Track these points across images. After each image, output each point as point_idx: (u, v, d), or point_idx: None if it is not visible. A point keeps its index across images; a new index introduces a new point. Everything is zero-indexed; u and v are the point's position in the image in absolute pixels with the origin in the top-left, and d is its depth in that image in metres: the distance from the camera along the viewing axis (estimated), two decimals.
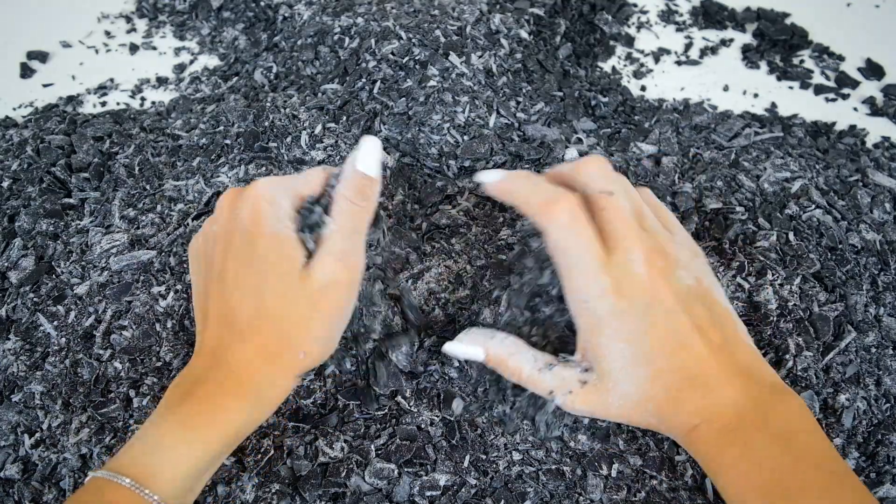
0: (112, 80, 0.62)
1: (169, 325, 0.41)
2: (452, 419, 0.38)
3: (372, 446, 0.37)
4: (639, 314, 0.31)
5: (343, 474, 0.36)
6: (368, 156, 0.35)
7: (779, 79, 0.64)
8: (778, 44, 0.67)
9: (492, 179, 0.36)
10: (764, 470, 0.29)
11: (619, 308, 0.31)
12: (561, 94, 0.56)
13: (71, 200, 0.49)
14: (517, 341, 0.36)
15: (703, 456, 0.32)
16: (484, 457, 0.37)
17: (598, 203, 0.33)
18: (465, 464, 0.37)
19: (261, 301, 0.31)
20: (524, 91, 0.54)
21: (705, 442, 0.31)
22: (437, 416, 0.38)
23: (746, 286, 0.43)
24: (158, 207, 0.48)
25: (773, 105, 0.61)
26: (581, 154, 0.50)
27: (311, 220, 0.34)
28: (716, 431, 0.31)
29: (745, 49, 0.67)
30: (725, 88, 0.63)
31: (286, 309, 0.31)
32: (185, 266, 0.44)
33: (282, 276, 0.31)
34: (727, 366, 0.32)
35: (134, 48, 0.66)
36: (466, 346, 0.36)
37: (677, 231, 0.36)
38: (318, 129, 0.49)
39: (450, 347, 0.37)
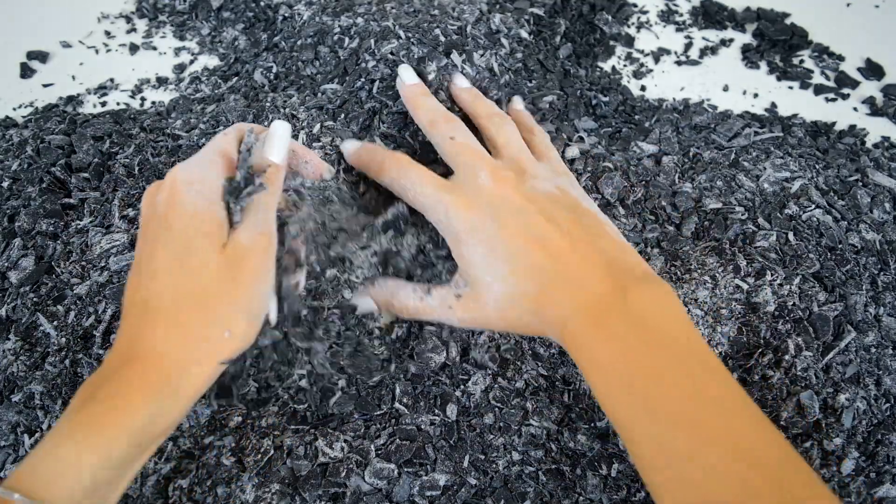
0: (112, 80, 0.62)
1: None
2: (451, 420, 0.38)
3: (372, 446, 0.37)
4: (489, 218, 0.34)
5: (343, 474, 0.36)
6: (274, 143, 0.35)
7: (779, 79, 0.64)
8: (778, 44, 0.67)
9: (349, 149, 0.42)
10: (627, 360, 0.29)
11: (470, 218, 0.34)
12: (562, 93, 0.56)
13: (71, 200, 0.49)
14: (395, 280, 0.38)
15: (576, 353, 0.31)
16: (483, 457, 0.37)
17: (446, 149, 0.38)
18: (465, 464, 0.37)
19: (179, 280, 0.29)
20: (526, 90, 0.54)
21: (575, 336, 0.31)
22: (437, 418, 0.38)
23: (745, 287, 0.43)
24: None
25: (773, 105, 0.61)
26: (583, 152, 0.50)
27: (232, 187, 0.33)
28: (583, 323, 0.31)
29: (745, 49, 0.67)
30: (725, 88, 0.63)
31: (208, 283, 0.30)
32: None
33: (202, 250, 0.30)
34: (592, 257, 0.32)
35: (134, 48, 0.66)
36: (355, 302, 0.38)
37: (547, 156, 0.41)
38: (317, 128, 0.49)
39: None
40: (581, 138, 0.51)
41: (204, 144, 0.52)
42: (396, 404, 0.39)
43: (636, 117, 0.57)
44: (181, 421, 0.31)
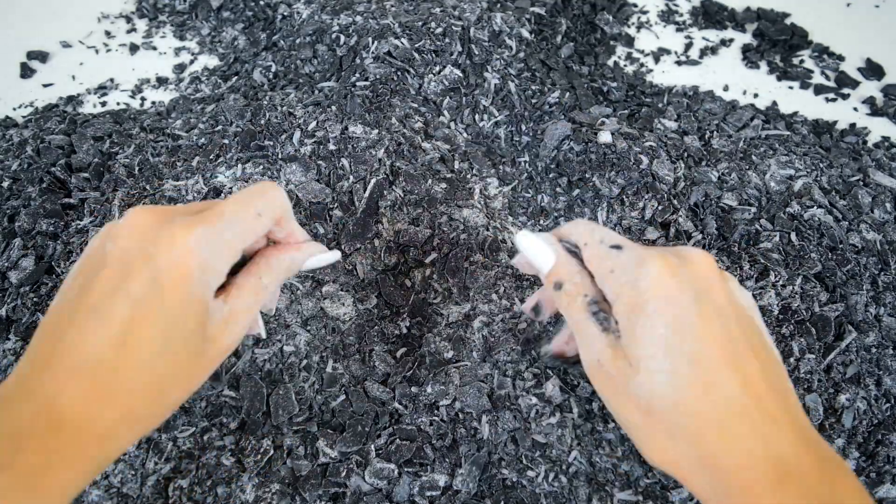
0: (112, 80, 0.62)
1: None
2: (447, 421, 0.38)
3: (372, 446, 0.37)
4: (689, 300, 0.26)
5: (343, 474, 0.36)
6: (319, 264, 0.33)
7: (779, 79, 0.64)
8: (778, 44, 0.67)
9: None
10: None
11: (667, 286, 0.26)
12: (571, 85, 0.56)
13: (71, 200, 0.49)
14: (583, 272, 0.30)
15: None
16: (480, 455, 0.37)
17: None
18: (463, 466, 0.37)
19: (152, 361, 0.26)
20: (531, 89, 0.54)
21: (751, 488, 0.24)
22: (437, 418, 0.38)
23: (749, 292, 0.42)
24: None
25: (774, 104, 0.61)
26: (614, 133, 0.49)
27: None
28: (770, 481, 0.24)
29: (745, 49, 0.67)
30: (725, 88, 0.63)
31: (178, 370, 0.27)
32: None
33: (187, 339, 0.27)
34: (786, 411, 0.25)
35: (134, 48, 0.65)
36: (543, 244, 0.31)
37: None
38: (312, 125, 0.49)
39: (525, 236, 0.31)
40: (603, 122, 0.51)
41: (203, 144, 0.51)
42: (396, 404, 0.39)
43: (647, 100, 0.57)
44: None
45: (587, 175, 0.48)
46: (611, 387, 0.27)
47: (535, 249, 0.31)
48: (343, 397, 0.39)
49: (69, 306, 0.26)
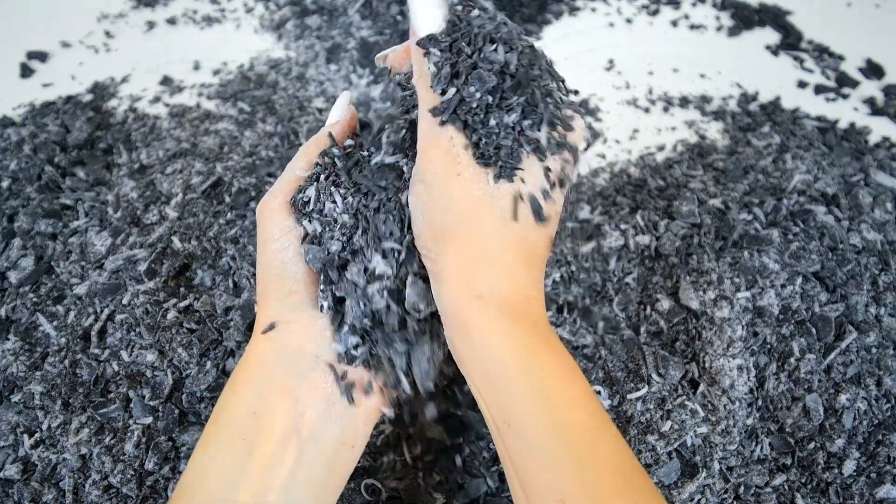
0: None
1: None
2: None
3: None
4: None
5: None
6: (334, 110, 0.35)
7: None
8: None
9: None
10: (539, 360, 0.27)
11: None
12: None
13: (67, 201, 0.49)
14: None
15: (479, 328, 0.27)
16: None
17: None
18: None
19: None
20: None
21: (487, 316, 0.27)
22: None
23: (750, 293, 0.42)
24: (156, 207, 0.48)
25: (778, 98, 0.61)
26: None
27: (303, 197, 0.32)
28: (497, 309, 0.27)
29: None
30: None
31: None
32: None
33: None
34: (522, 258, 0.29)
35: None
36: (437, 8, 0.30)
37: None
38: None
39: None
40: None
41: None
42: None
43: None
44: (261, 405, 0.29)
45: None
46: (453, 168, 0.28)
47: (425, 8, 0.29)
48: None
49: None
